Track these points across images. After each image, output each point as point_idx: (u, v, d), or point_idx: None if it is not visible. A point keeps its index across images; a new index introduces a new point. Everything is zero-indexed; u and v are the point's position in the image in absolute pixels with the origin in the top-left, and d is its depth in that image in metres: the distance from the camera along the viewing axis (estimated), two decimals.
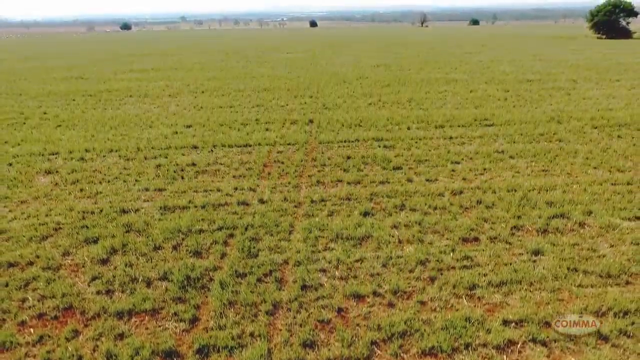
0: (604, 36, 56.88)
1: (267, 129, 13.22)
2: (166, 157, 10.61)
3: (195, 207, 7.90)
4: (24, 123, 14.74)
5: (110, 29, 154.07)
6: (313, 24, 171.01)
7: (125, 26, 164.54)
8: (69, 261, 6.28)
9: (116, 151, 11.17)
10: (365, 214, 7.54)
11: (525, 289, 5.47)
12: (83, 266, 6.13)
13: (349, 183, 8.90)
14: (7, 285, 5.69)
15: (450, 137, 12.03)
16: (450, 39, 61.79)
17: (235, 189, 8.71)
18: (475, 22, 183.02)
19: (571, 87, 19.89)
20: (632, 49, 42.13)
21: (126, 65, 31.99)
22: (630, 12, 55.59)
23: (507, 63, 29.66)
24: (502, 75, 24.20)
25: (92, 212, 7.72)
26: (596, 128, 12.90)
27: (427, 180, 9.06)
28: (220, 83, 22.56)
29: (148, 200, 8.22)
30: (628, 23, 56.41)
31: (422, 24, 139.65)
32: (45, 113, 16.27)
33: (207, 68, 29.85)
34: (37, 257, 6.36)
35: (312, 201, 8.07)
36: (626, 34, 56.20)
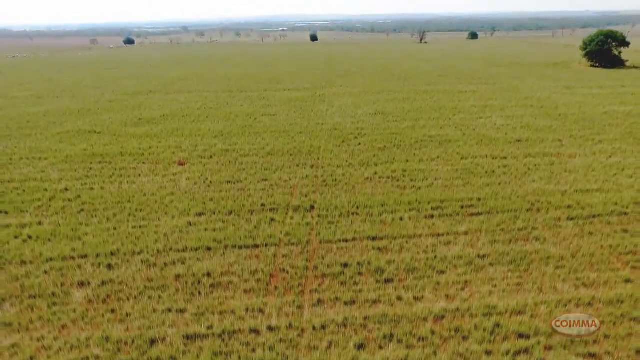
0: (597, 64, 58.40)
1: (272, 219, 14.55)
2: (184, 264, 11.92)
3: (214, 335, 9.19)
4: (50, 205, 16.09)
5: (114, 45, 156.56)
6: (314, 38, 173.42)
7: (128, 41, 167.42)
8: None
9: (138, 254, 12.48)
10: (359, 346, 8.83)
11: None
12: None
13: (345, 303, 10.20)
14: None
15: (438, 234, 13.35)
16: (447, 69, 63.40)
17: (247, 309, 10.01)
18: (474, 35, 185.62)
19: (556, 153, 21.21)
20: (622, 83, 43.61)
21: (135, 111, 33.41)
22: (622, 42, 57.13)
23: (499, 111, 31.04)
24: (493, 130, 25.56)
25: (126, 343, 9.02)
26: (572, 220, 14.22)
27: (415, 298, 10.36)
28: (226, 143, 23.89)
29: (172, 326, 9.52)
30: (620, 52, 57.93)
31: (421, 40, 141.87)
32: (66, 189, 17.62)
33: (212, 116, 31.22)
34: None
35: (313, 328, 9.37)
36: (619, 63, 57.72)
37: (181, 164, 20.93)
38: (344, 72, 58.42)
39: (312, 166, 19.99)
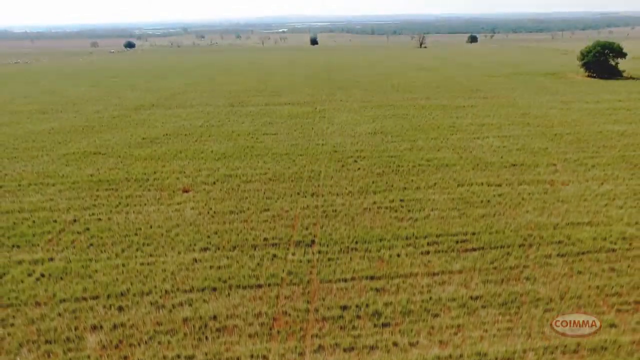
0: (594, 75, 59.02)
1: (274, 256, 15.14)
2: (191, 305, 12.52)
3: None
4: (60, 239, 16.68)
5: (114, 49, 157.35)
6: (314, 41, 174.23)
7: (129, 44, 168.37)
8: None
9: (147, 294, 13.07)
10: None
11: None
12: None
13: (344, 349, 10.80)
14: None
15: (433, 274, 13.94)
16: (446, 79, 64.12)
17: (251, 355, 10.61)
18: (473, 38, 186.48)
19: (549, 180, 21.80)
20: (618, 96, 44.22)
21: (138, 129, 34.01)
22: (619, 53, 57.76)
23: (496, 130, 31.64)
24: (489, 153, 26.16)
25: None
26: (562, 256, 14.81)
27: (410, 343, 10.96)
28: (229, 167, 24.45)
29: None
30: (617, 63, 58.54)
31: (420, 44, 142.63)
32: (75, 220, 18.22)
33: (215, 135, 31.81)
34: None
35: None
36: (616, 73, 58.36)
37: (185, 190, 21.52)
38: (344, 83, 59.00)
39: (312, 194, 20.57)
